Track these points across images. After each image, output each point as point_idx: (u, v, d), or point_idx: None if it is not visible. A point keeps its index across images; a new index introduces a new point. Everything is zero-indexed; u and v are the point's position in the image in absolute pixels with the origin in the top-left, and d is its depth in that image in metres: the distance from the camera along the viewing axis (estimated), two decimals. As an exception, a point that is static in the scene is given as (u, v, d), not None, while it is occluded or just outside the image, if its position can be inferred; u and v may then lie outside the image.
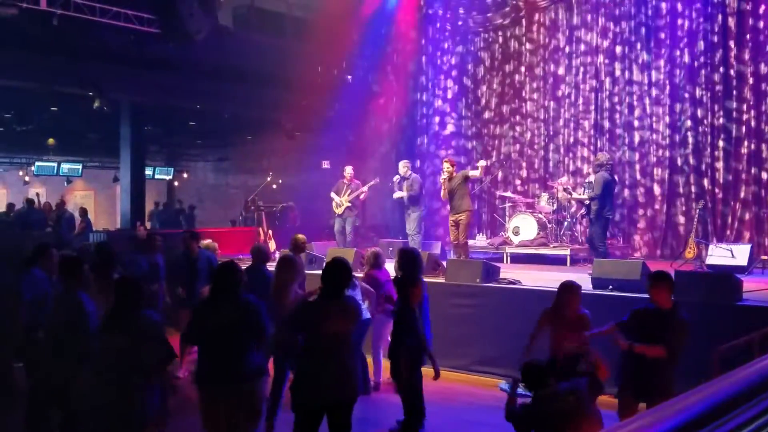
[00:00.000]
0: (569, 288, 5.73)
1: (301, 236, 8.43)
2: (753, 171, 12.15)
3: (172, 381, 4.64)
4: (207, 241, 9.43)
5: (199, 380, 4.94)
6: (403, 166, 12.31)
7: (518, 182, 15.23)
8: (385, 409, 6.50)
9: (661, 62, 13.21)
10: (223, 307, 4.87)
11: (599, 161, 10.92)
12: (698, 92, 12.76)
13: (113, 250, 6.52)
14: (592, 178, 11.04)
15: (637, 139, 13.52)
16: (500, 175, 15.26)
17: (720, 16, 12.50)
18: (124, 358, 4.48)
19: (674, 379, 5.07)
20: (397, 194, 12.30)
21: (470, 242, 11.96)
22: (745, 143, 12.27)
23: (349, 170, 12.73)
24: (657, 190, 13.18)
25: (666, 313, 5.18)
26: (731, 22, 12.37)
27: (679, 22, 12.98)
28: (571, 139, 14.48)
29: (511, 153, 15.41)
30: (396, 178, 12.36)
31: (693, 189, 12.74)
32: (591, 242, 11.03)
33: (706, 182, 12.63)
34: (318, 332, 4.76)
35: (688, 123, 12.83)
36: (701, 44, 12.70)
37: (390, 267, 7.90)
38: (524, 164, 15.22)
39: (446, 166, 10.98)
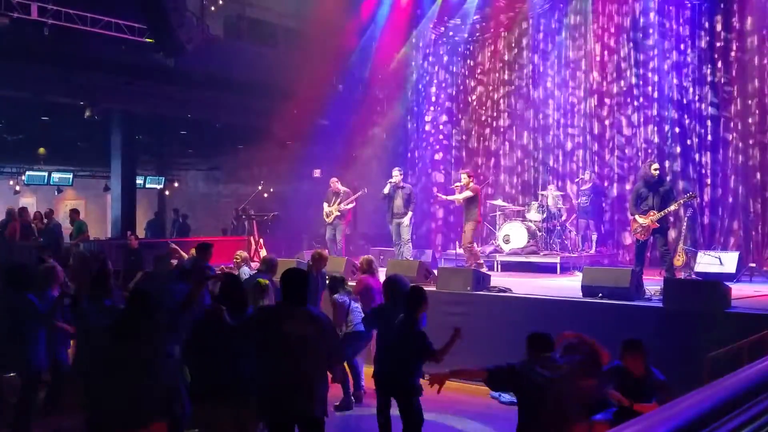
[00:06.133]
0: None
1: (318, 252, 8.52)
2: (741, 179, 12.26)
3: None
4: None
5: (192, 394, 5.03)
6: (397, 174, 12.00)
7: (508, 190, 15.31)
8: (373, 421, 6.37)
9: (650, 71, 13.33)
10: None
11: None
12: (686, 100, 12.90)
13: (87, 257, 6.32)
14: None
15: (625, 147, 13.62)
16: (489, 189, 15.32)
17: (707, 24, 12.66)
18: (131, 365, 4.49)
19: None
20: (386, 189, 11.91)
21: (459, 251, 12.02)
22: (733, 151, 12.38)
23: (336, 181, 12.71)
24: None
25: (639, 380, 5.11)
26: (719, 29, 12.51)
27: (667, 25, 13.10)
28: (561, 148, 14.60)
29: (501, 162, 15.51)
30: (390, 183, 11.95)
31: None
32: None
33: (694, 190, 12.71)
34: (269, 339, 4.64)
35: (677, 130, 12.94)
36: (690, 53, 12.84)
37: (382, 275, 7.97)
38: (515, 173, 15.33)
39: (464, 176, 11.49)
